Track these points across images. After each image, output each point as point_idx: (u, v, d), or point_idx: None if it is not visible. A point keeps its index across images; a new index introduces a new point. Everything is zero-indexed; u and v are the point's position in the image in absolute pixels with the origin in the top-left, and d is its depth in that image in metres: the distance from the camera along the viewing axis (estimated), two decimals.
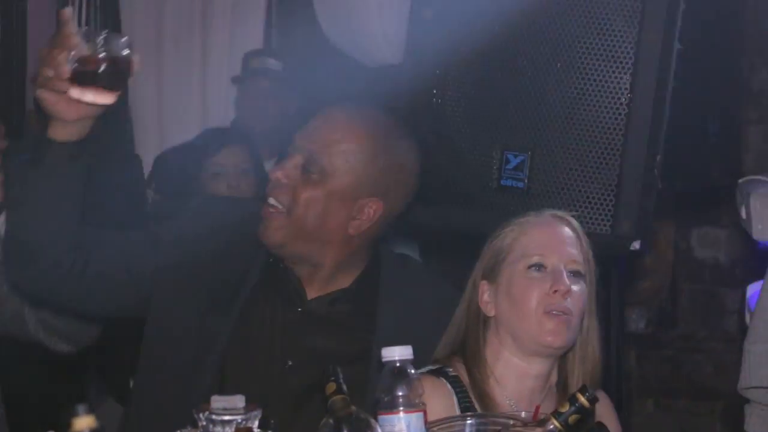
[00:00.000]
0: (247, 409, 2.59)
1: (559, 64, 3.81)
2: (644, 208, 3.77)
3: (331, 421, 2.65)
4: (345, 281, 3.33)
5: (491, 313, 3.04)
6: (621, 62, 3.77)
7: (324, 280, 3.32)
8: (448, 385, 2.92)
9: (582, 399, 2.59)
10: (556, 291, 2.95)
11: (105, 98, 2.83)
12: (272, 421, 2.64)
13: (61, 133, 2.93)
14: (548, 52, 3.83)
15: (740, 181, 4.03)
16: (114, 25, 6.73)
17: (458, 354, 3.01)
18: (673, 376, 5.26)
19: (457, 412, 2.88)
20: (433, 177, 3.84)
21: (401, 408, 2.68)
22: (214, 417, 2.54)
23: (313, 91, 5.71)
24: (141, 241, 3.31)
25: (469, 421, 2.79)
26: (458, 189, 3.80)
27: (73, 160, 2.96)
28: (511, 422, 2.75)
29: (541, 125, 3.84)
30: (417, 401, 2.70)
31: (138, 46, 6.07)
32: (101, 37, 2.78)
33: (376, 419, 2.64)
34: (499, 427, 2.71)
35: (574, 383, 3.02)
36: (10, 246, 3.13)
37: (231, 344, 3.21)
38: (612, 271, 4.07)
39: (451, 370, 2.98)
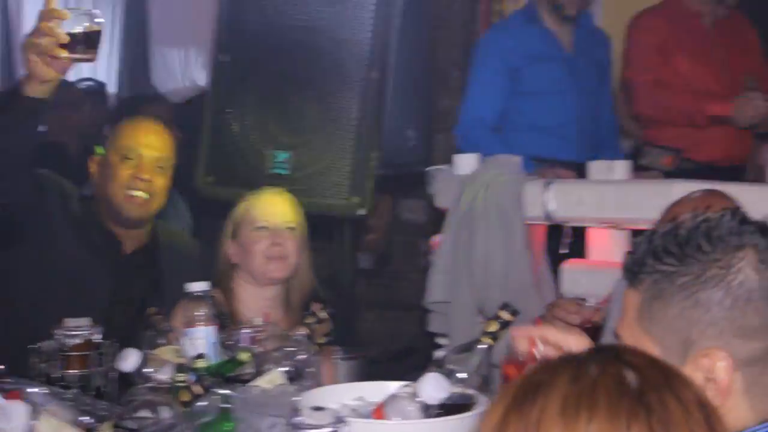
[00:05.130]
0: (92, 327, 2.48)
1: (310, 92, 3.75)
2: (367, 187, 3.73)
3: (154, 332, 2.57)
4: (146, 238, 3.22)
5: (235, 261, 3.00)
6: (353, 90, 3.73)
7: (138, 238, 3.19)
8: None
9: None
10: (274, 244, 2.94)
11: (86, 58, 2.54)
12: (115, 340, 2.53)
13: (33, 90, 2.57)
14: (303, 84, 3.77)
15: (428, 169, 4.07)
16: None
17: (218, 286, 2.94)
18: (388, 297, 5.27)
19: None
20: (227, 169, 3.81)
21: (202, 323, 2.61)
22: (66, 333, 2.43)
23: None
24: None
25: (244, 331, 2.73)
26: (244, 177, 3.70)
27: (34, 112, 2.64)
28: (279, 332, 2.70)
29: (301, 133, 3.76)
30: (212, 318, 2.63)
31: None
32: (81, 12, 2.52)
33: None
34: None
35: (295, 299, 3.02)
36: None
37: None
38: (345, 228, 4.05)
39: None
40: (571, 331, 1.87)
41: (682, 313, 1.44)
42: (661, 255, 1.47)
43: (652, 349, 1.42)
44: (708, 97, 3.97)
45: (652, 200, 3.17)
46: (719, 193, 2.89)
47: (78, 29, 2.46)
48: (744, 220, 1.47)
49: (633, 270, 1.51)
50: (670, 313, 1.45)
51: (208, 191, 3.81)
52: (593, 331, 2.74)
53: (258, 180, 3.52)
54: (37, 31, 2.47)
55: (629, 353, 1.14)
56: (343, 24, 3.78)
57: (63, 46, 2.46)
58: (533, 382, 1.11)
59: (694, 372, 1.38)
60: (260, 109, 3.82)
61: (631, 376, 1.09)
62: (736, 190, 2.96)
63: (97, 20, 2.50)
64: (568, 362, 1.13)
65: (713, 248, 1.44)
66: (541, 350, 1.81)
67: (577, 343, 1.77)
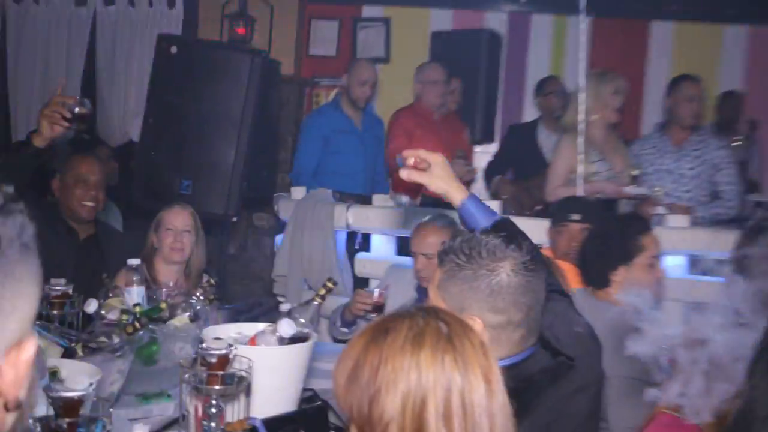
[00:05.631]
0: (66, 284, 2.35)
1: (204, 144, 3.68)
2: (237, 204, 3.71)
3: (105, 289, 2.45)
4: (93, 230, 3.07)
5: (155, 246, 2.88)
6: (230, 144, 3.67)
7: (89, 230, 3.05)
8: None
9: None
10: (176, 240, 2.84)
11: (80, 129, 2.45)
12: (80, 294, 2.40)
13: (38, 142, 2.43)
14: (200, 139, 3.70)
15: (274, 195, 4.04)
16: None
17: (144, 261, 2.75)
18: (244, 270, 5.10)
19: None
20: (152, 189, 3.68)
21: (136, 284, 2.51)
22: (50, 288, 2.30)
23: None
24: None
25: (162, 290, 2.62)
26: (162, 194, 3.60)
27: (36, 156, 2.48)
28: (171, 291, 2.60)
29: (197, 169, 3.69)
30: (142, 281, 2.53)
31: None
32: (80, 100, 2.41)
33: None
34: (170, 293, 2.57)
35: (193, 271, 2.89)
36: None
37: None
38: (222, 229, 3.98)
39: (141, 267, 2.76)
40: (434, 152, 1.73)
41: (461, 292, 1.44)
42: (457, 252, 1.46)
43: (443, 306, 1.39)
44: None
45: (410, 219, 3.31)
46: (446, 216, 3.04)
47: (77, 110, 2.40)
48: (509, 240, 1.46)
49: (441, 256, 1.48)
50: (455, 289, 1.45)
51: (140, 203, 3.70)
52: (380, 309, 2.71)
53: (171, 197, 3.44)
54: (49, 106, 2.40)
55: (442, 312, 1.14)
56: (224, 103, 3.74)
57: (65, 119, 2.39)
58: (384, 327, 1.10)
59: None
60: (172, 153, 3.73)
61: (443, 327, 1.09)
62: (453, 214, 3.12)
63: (89, 106, 2.45)
64: (406, 315, 1.11)
65: (487, 256, 1.44)
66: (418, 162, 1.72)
67: (436, 157, 1.72)
